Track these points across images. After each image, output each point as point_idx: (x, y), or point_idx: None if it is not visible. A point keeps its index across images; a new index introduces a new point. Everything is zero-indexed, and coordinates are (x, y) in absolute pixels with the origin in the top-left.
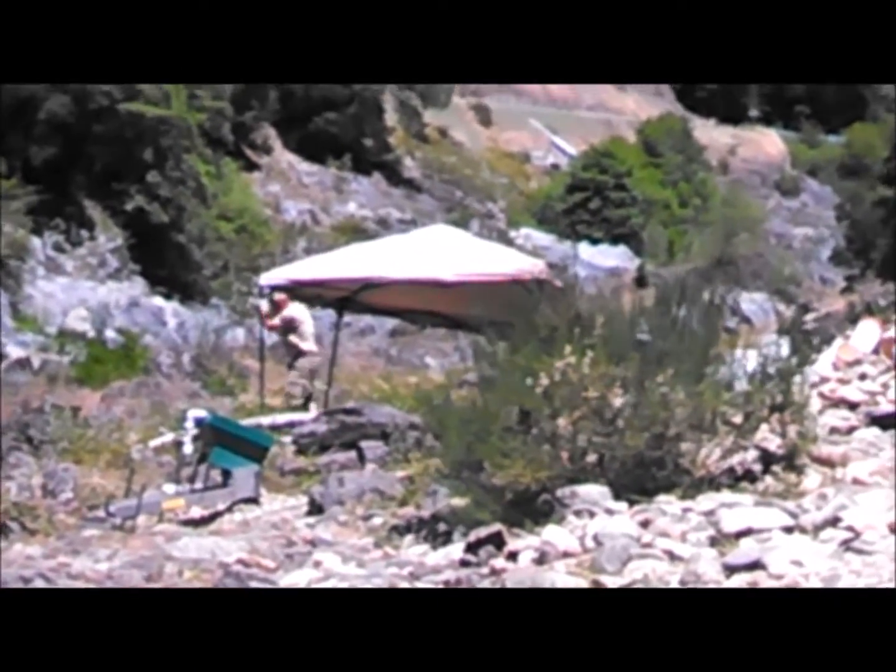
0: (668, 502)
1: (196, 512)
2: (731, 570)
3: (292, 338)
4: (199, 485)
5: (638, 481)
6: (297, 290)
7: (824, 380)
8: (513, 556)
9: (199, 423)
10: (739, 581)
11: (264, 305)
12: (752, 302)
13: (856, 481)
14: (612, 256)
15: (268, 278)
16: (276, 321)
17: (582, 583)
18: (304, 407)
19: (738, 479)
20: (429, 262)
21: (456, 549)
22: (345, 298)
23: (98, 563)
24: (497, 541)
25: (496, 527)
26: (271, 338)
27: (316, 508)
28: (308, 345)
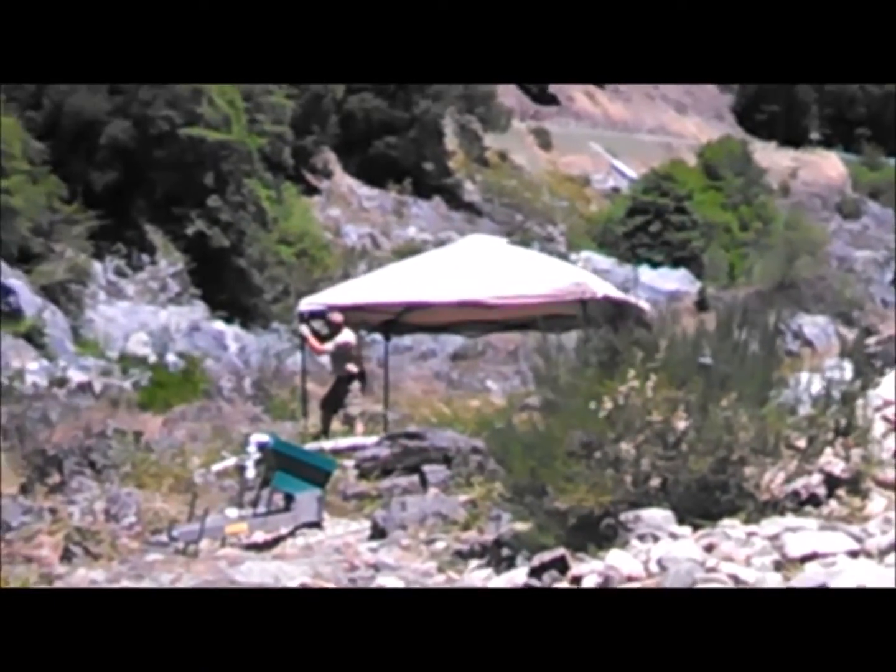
0: (732, 526)
1: (259, 536)
2: None
3: (348, 365)
4: (261, 509)
5: (702, 505)
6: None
7: (888, 403)
8: (577, 581)
9: (261, 447)
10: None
11: (306, 331)
12: (814, 325)
13: None
14: (672, 280)
15: (308, 304)
16: (329, 346)
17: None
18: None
19: (803, 503)
20: (467, 282)
21: (520, 574)
22: (389, 321)
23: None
24: (561, 565)
25: (560, 551)
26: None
27: (378, 533)
28: (353, 367)
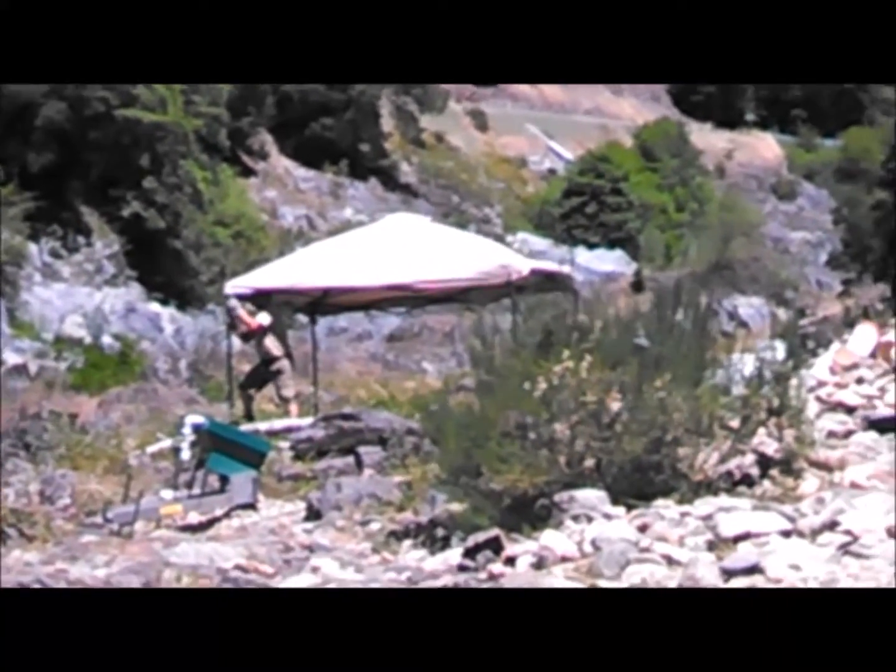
0: (665, 507)
1: (194, 518)
2: (729, 574)
3: (267, 341)
4: (196, 490)
5: (636, 486)
6: (264, 299)
7: (821, 384)
8: (511, 561)
9: (196, 428)
10: (737, 585)
11: (236, 303)
12: (748, 306)
13: (853, 485)
14: (608, 261)
15: (233, 286)
16: (261, 322)
17: (580, 587)
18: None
19: (736, 483)
20: (392, 265)
21: (454, 555)
22: (313, 302)
23: (96, 570)
24: (495, 546)
25: (494, 532)
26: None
27: (313, 514)
28: (274, 349)
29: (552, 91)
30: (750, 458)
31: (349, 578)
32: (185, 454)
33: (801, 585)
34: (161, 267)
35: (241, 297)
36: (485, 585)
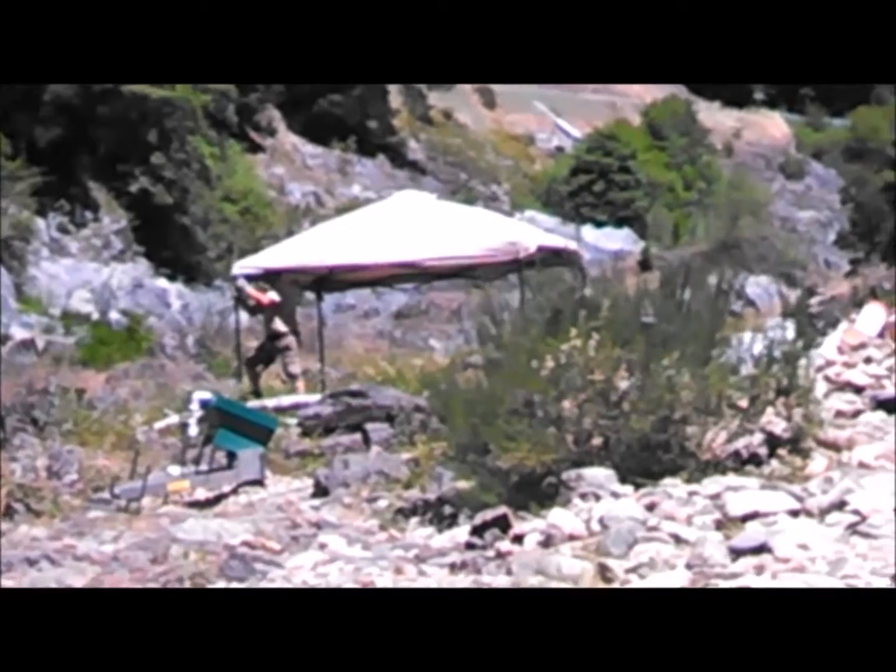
0: (673, 485)
1: (201, 494)
2: (736, 553)
3: (278, 319)
4: (204, 467)
5: (643, 464)
6: (273, 277)
7: (830, 363)
8: (518, 539)
9: (204, 404)
10: (745, 564)
11: (244, 283)
12: (756, 285)
13: (862, 465)
14: (616, 239)
15: (241, 267)
16: (273, 298)
17: (587, 566)
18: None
19: (744, 462)
20: (400, 243)
21: (461, 532)
22: (320, 279)
23: (103, 545)
24: (503, 524)
25: (502, 510)
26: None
27: (321, 491)
28: (280, 326)
29: None
30: (758, 438)
31: (356, 555)
32: (193, 430)
33: (809, 565)
34: (169, 243)
35: (250, 278)
36: (491, 565)
